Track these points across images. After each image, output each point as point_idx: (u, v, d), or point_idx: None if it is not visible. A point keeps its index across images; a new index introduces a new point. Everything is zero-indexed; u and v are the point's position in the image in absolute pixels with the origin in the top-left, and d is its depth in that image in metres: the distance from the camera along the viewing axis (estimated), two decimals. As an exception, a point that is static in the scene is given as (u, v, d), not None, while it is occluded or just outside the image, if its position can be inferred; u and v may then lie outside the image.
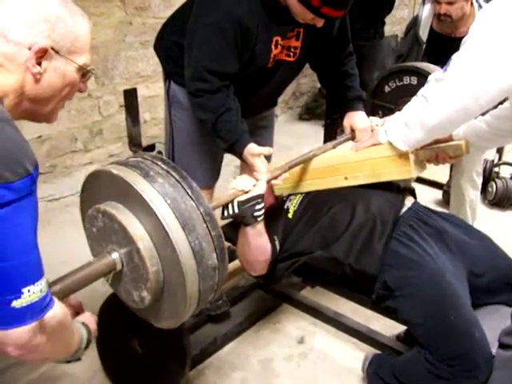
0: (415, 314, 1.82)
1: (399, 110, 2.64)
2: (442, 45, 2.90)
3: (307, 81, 5.79)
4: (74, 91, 1.27)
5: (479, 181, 3.06)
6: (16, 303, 1.01)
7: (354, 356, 2.36)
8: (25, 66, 1.13)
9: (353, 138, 2.35)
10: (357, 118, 2.33)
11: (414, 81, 2.68)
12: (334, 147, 2.25)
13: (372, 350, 2.20)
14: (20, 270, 1.02)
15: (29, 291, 1.02)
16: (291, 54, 2.15)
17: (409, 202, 2.09)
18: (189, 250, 1.31)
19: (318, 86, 5.75)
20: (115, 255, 1.38)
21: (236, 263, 2.62)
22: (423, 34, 2.97)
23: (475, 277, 1.92)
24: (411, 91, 2.63)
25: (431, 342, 1.78)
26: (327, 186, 2.14)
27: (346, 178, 2.10)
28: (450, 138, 2.00)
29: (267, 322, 2.62)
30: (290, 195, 2.24)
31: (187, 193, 1.35)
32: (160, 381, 2.08)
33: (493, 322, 1.77)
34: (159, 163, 1.40)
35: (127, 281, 1.41)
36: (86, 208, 1.46)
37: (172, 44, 2.20)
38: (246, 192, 1.82)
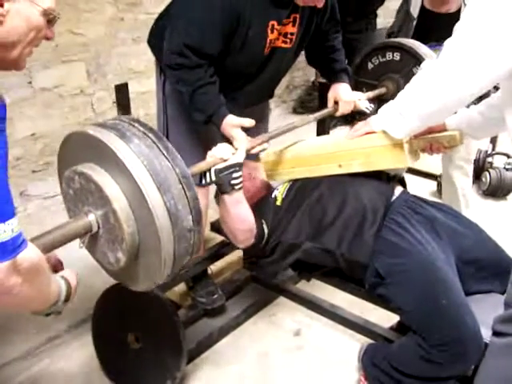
0: (406, 301, 1.83)
1: (382, 86, 2.67)
2: (432, 21, 2.89)
3: (300, 74, 5.79)
4: (41, 37, 1.23)
5: (470, 168, 3.05)
6: None
7: (350, 347, 2.37)
8: None
9: (335, 110, 2.40)
10: (341, 90, 2.38)
11: (397, 56, 2.65)
12: (315, 119, 2.33)
13: (368, 341, 2.21)
14: None
15: None
16: (288, 40, 2.15)
17: (398, 191, 2.10)
18: (164, 211, 1.30)
19: (312, 79, 5.75)
20: (91, 217, 1.36)
21: (231, 257, 2.64)
22: (414, 10, 2.97)
23: (465, 264, 1.93)
24: (394, 67, 2.65)
25: (423, 328, 1.79)
26: (321, 173, 2.14)
27: (339, 166, 2.10)
28: (444, 128, 2.00)
29: (263, 316, 2.63)
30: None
31: (163, 153, 1.33)
32: (156, 375, 2.08)
33: (485, 310, 1.78)
34: (136, 125, 1.38)
35: (103, 242, 1.40)
36: (64, 169, 1.44)
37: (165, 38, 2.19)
38: (225, 160, 1.82)
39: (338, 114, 2.42)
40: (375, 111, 2.47)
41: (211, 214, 2.65)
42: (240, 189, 1.88)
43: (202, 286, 2.46)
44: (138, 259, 1.40)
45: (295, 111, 5.73)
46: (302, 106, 5.73)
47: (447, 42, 1.56)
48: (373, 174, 2.08)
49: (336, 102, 2.40)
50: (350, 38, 4.16)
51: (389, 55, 2.69)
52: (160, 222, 1.29)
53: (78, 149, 1.41)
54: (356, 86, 2.81)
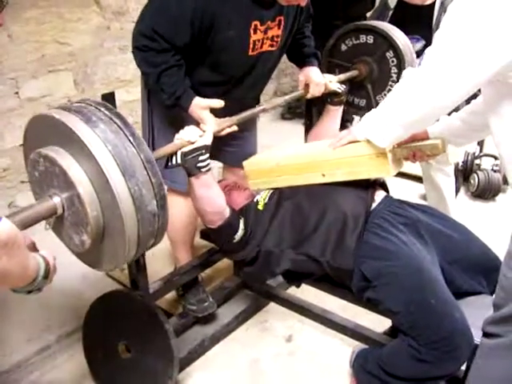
0: (395, 302, 1.84)
1: (355, 69, 2.70)
2: (408, 12, 2.93)
3: (288, 80, 5.81)
4: None
5: (449, 168, 3.07)
6: None
7: (341, 352, 2.37)
8: None
9: (306, 93, 2.44)
10: (312, 73, 2.42)
11: (371, 39, 2.70)
12: (285, 102, 2.40)
13: (360, 346, 2.21)
14: None
15: None
16: (274, 43, 2.17)
17: (379, 196, 2.10)
18: (128, 195, 1.32)
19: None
20: (56, 199, 1.37)
21: (221, 264, 2.64)
22: (391, 1, 3.01)
23: (450, 265, 1.95)
24: (367, 50, 2.70)
25: (413, 328, 1.79)
26: (304, 182, 2.14)
27: (323, 175, 2.10)
28: (427, 137, 2.01)
29: (254, 322, 2.63)
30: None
31: (129, 139, 1.35)
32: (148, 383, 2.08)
33: (476, 312, 1.78)
34: (102, 109, 1.39)
35: (68, 225, 1.41)
36: (29, 152, 1.45)
37: None
38: (192, 143, 1.84)
39: (309, 96, 2.45)
40: (347, 92, 2.56)
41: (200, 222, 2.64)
42: (207, 171, 1.89)
43: (192, 294, 2.45)
44: (103, 242, 1.42)
45: (283, 117, 5.74)
46: (290, 112, 5.74)
47: (428, 50, 1.58)
48: (353, 181, 2.08)
49: (307, 85, 2.43)
50: None
51: (362, 38, 2.73)
52: (124, 207, 1.32)
53: (43, 132, 1.43)
54: (329, 68, 2.84)
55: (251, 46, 2.09)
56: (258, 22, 2.05)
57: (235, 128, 2.07)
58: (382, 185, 2.22)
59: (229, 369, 2.34)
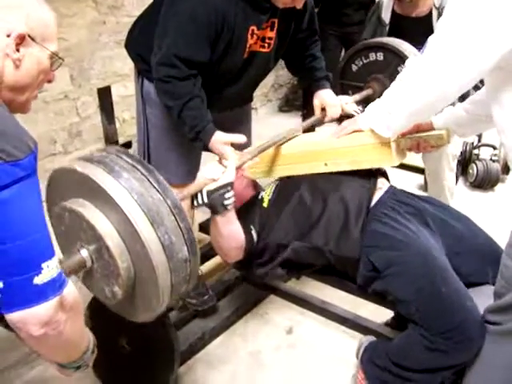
0: (407, 292, 1.82)
1: (368, 88, 2.68)
2: (404, 25, 2.91)
3: (285, 72, 5.78)
4: (46, 80, 1.28)
5: (454, 163, 3.08)
6: (37, 279, 1.02)
7: (342, 344, 2.38)
8: (4, 52, 1.15)
9: (323, 116, 2.41)
10: (326, 95, 2.40)
11: (380, 56, 2.67)
12: (303, 130, 2.31)
13: (367, 338, 2.19)
14: (39, 245, 1.04)
15: (48, 266, 1.04)
16: (266, 44, 2.15)
17: (384, 185, 2.10)
18: (158, 244, 1.29)
19: (297, 77, 5.76)
20: (84, 252, 1.36)
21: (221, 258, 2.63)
22: (385, 16, 2.98)
23: (454, 255, 1.93)
24: (379, 67, 2.67)
25: (425, 317, 1.77)
26: (306, 171, 2.14)
27: (325, 164, 2.09)
28: (432, 127, 2.00)
29: (255, 314, 2.63)
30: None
31: (154, 186, 1.33)
32: (150, 378, 2.08)
33: (480, 302, 1.78)
34: (124, 157, 1.37)
35: (98, 277, 1.39)
36: (53, 206, 1.44)
37: (142, 43, 2.19)
38: (215, 180, 1.81)
39: (327, 119, 2.42)
40: None
41: (199, 215, 2.64)
42: (232, 208, 1.87)
43: (192, 288, 2.45)
44: (135, 292, 1.40)
45: (281, 109, 5.75)
46: (288, 105, 5.74)
47: (431, 38, 1.57)
48: (355, 170, 2.07)
49: (323, 109, 2.40)
50: (350, 32, 4.11)
51: (372, 56, 2.70)
52: (155, 257, 1.29)
53: (66, 185, 1.41)
54: (342, 90, 2.81)
55: (246, 50, 2.09)
56: (255, 27, 2.04)
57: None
58: (384, 174, 2.22)
59: (229, 361, 2.35)
